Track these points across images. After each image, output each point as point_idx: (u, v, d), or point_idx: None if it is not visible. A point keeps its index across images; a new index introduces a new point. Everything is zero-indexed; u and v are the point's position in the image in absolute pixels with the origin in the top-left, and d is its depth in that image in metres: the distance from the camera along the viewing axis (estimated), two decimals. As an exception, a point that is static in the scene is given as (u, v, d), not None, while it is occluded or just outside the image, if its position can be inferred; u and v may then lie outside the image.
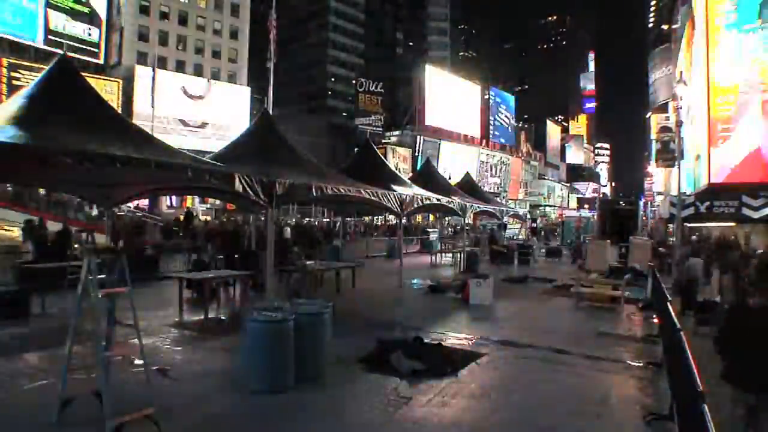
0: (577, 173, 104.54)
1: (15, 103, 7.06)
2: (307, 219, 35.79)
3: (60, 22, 37.92)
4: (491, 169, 68.19)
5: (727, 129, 22.29)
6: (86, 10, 39.95)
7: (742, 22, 22.25)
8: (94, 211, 25.17)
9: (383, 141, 56.26)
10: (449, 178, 25.68)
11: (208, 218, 35.85)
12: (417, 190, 14.58)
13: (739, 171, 21.67)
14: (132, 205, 30.05)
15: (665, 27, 71.11)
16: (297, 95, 73.21)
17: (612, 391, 6.77)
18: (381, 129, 58.71)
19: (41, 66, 35.51)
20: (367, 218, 39.83)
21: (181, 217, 27.86)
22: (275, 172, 9.18)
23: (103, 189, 9.24)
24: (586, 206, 64.71)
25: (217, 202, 42.89)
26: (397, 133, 59.02)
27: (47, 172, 7.93)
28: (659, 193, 49.32)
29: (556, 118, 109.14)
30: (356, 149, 52.85)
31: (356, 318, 10.56)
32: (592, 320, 11.40)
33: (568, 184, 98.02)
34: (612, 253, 19.88)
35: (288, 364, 6.33)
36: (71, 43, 38.18)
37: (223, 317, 10.79)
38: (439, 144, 57.50)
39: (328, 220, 33.93)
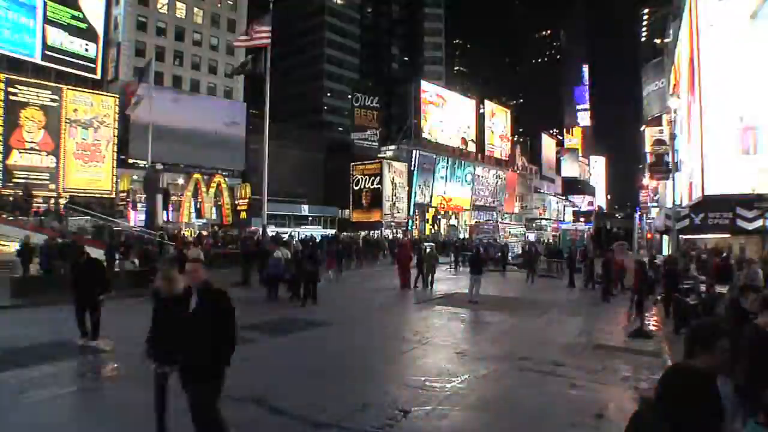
0: (572, 186, 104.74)
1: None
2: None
3: (57, 37, 37.99)
4: (487, 183, 68.33)
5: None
6: (84, 25, 40.00)
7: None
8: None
9: (379, 155, 56.37)
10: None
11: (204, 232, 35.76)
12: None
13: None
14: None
15: (657, 41, 71.88)
16: (293, 110, 73.35)
17: (609, 403, 6.78)
18: (377, 144, 58.81)
19: (38, 81, 35.65)
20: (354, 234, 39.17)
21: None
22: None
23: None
24: (581, 219, 64.63)
25: (214, 216, 42.81)
26: (393, 147, 59.06)
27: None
28: (655, 205, 49.29)
29: (551, 131, 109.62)
30: (351, 164, 53.21)
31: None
32: (589, 333, 11.41)
33: (563, 197, 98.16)
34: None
35: None
36: (68, 58, 38.30)
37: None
38: (435, 158, 57.79)
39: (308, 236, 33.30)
